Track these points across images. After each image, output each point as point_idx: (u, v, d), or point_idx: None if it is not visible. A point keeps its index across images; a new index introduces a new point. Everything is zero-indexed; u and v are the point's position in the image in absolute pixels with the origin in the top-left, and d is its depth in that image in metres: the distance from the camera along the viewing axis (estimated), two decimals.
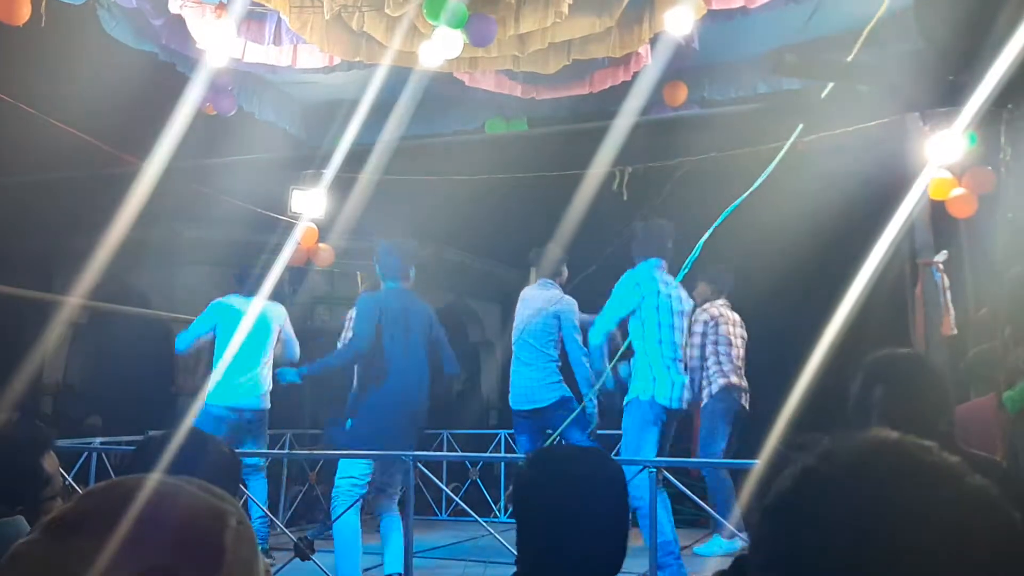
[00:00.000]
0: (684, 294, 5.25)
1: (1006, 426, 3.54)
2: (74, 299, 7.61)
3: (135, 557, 0.97)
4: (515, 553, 4.18)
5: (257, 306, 5.99)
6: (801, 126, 5.07)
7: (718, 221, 5.16)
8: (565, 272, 6.10)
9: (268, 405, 6.08)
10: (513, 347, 5.99)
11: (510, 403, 6.02)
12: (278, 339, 6.15)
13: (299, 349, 6.24)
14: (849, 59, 4.73)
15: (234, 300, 6.02)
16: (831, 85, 4.59)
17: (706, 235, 5.22)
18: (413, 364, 5.06)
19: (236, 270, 6.23)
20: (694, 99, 6.84)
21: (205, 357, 9.18)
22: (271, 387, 6.03)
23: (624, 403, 5.00)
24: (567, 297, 5.99)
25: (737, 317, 6.52)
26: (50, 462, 2.20)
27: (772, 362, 5.96)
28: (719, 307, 6.43)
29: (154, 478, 1.07)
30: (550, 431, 5.75)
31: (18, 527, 1.92)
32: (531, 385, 5.85)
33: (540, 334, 5.85)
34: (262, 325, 6.01)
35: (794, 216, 6.05)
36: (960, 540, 0.82)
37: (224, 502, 1.09)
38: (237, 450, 2.82)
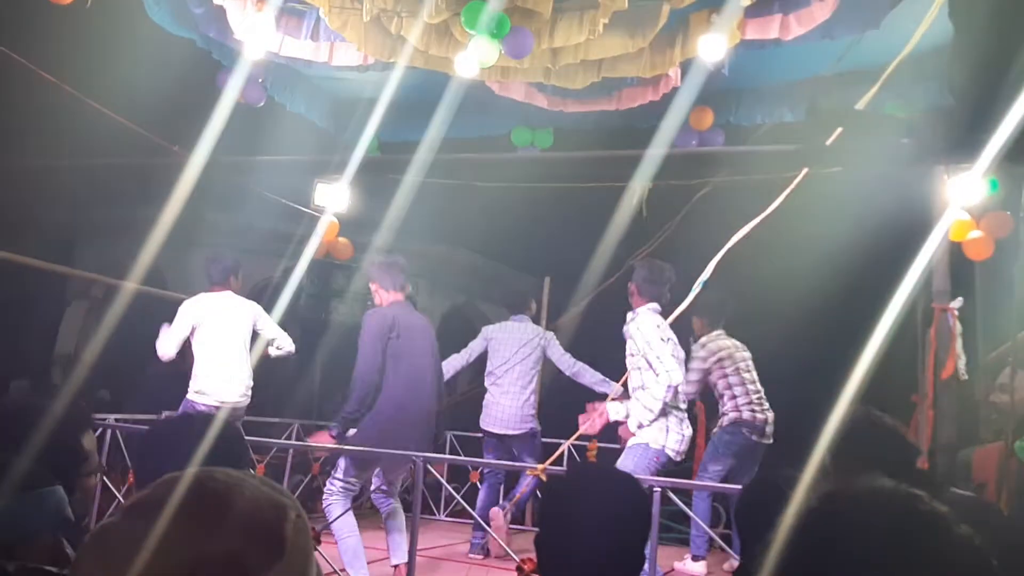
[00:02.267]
0: None
1: (1005, 471, 3.61)
2: (91, 275, 7.72)
3: (206, 540, 1.05)
4: (516, 558, 4.26)
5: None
6: (806, 170, 5.07)
7: (708, 268, 5.18)
8: (533, 305, 6.78)
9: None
10: (497, 374, 6.38)
11: (487, 426, 6.39)
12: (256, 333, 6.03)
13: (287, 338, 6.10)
14: (860, 106, 4.80)
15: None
16: (838, 131, 4.65)
17: (704, 276, 5.22)
18: (421, 374, 5.13)
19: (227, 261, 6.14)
20: (719, 123, 6.90)
21: None
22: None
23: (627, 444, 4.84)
24: (548, 331, 6.70)
25: (737, 343, 6.32)
26: (88, 439, 2.29)
27: (792, 401, 6.02)
28: (716, 338, 6.23)
29: (222, 471, 1.15)
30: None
31: (58, 495, 2.00)
32: (522, 412, 6.32)
33: (531, 363, 6.38)
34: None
35: (813, 254, 6.10)
36: None
37: (283, 496, 1.17)
38: None
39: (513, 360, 6.36)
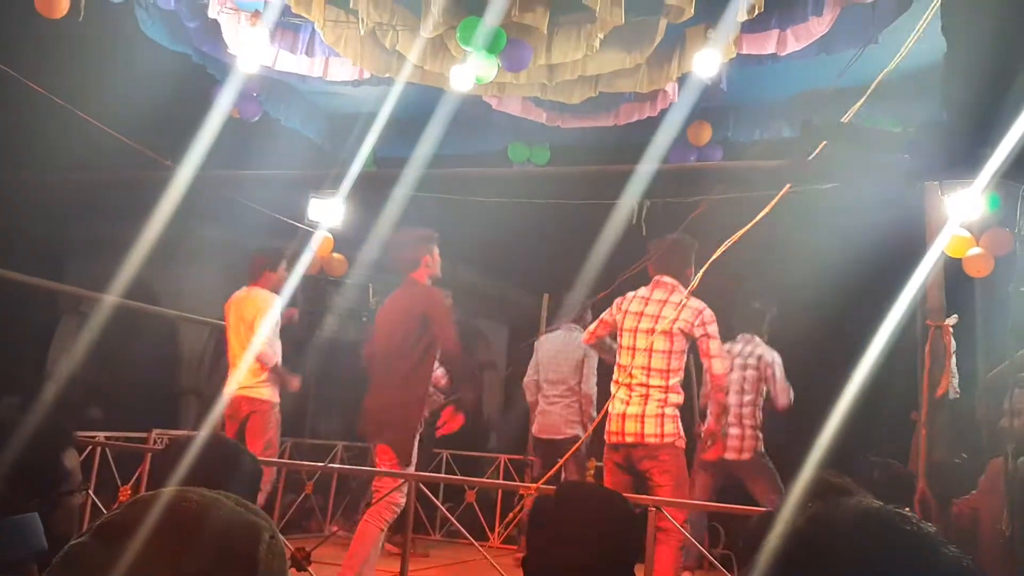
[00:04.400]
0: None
1: (1009, 487, 3.56)
2: (82, 290, 7.65)
3: (177, 561, 1.02)
4: None
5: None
6: (788, 185, 5.00)
7: (692, 282, 5.09)
8: (589, 316, 6.74)
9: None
10: (543, 384, 6.75)
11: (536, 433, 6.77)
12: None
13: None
14: (846, 119, 4.77)
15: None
16: (822, 145, 4.63)
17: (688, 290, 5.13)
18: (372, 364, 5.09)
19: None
20: (718, 139, 6.88)
21: (208, 358, 9.20)
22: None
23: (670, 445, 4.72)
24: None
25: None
26: (70, 457, 2.22)
27: (787, 417, 5.98)
28: None
29: (196, 491, 1.11)
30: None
31: (33, 523, 1.95)
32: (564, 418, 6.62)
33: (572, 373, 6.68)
34: None
35: (809, 270, 6.06)
36: None
37: (258, 517, 1.13)
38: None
39: (562, 368, 6.72)
